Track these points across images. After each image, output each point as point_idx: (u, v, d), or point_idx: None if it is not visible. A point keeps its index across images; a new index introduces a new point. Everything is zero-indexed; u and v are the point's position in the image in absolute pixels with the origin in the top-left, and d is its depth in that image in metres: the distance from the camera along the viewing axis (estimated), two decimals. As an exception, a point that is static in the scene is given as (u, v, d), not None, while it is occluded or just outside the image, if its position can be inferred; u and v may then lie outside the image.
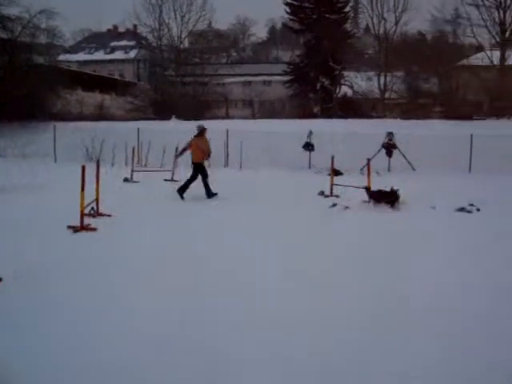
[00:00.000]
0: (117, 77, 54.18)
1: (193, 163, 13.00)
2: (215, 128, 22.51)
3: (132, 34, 58.90)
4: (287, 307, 5.23)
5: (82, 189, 8.76)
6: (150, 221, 9.79)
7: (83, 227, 8.73)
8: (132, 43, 59.68)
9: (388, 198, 11.37)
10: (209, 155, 13.08)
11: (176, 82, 45.29)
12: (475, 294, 5.69)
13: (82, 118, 33.55)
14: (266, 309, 5.18)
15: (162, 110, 41.25)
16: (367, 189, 11.86)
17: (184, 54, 48.19)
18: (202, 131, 13.17)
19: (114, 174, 15.92)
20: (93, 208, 9.89)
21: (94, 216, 9.77)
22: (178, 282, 6.05)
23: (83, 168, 8.79)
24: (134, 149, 18.09)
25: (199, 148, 12.87)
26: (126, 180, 15.95)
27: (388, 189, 11.56)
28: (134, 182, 15.78)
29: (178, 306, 5.28)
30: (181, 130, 22.76)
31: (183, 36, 48.08)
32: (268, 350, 4.26)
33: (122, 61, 59.54)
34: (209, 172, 12.92)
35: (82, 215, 8.81)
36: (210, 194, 12.64)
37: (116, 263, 6.77)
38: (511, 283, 6.07)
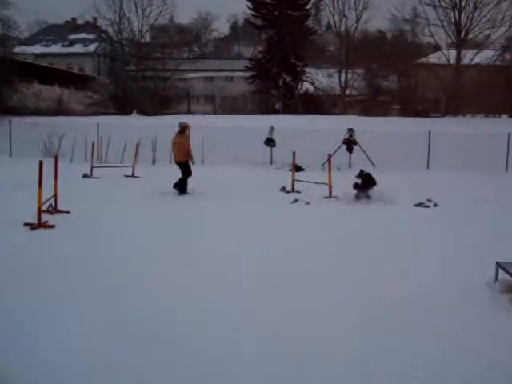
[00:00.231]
0: (76, 70, 52.99)
1: (176, 163, 12.80)
2: (176, 124, 22.35)
3: (91, 26, 57.54)
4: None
5: (40, 185, 8.56)
6: (111, 217, 9.64)
7: (41, 224, 8.54)
8: (92, 36, 58.20)
9: (370, 184, 11.93)
10: (189, 154, 12.80)
11: (137, 76, 44.61)
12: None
13: (39, 112, 32.66)
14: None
15: (122, 105, 40.61)
16: (357, 185, 12.12)
17: (145, 48, 47.48)
18: (183, 129, 12.95)
19: (72, 170, 15.62)
20: (51, 204, 9.68)
21: (51, 213, 9.56)
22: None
23: (40, 163, 8.58)
24: (93, 144, 17.79)
25: (179, 147, 12.68)
26: (85, 176, 15.68)
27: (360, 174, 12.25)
28: (94, 177, 15.53)
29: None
30: (142, 125, 22.61)
31: (144, 30, 47.34)
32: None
33: (82, 54, 58.08)
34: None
35: (40, 212, 8.61)
36: (182, 190, 12.49)
37: (78, 261, 6.65)
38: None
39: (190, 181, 12.77)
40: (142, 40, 47.56)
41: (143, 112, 37.36)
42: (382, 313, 5.15)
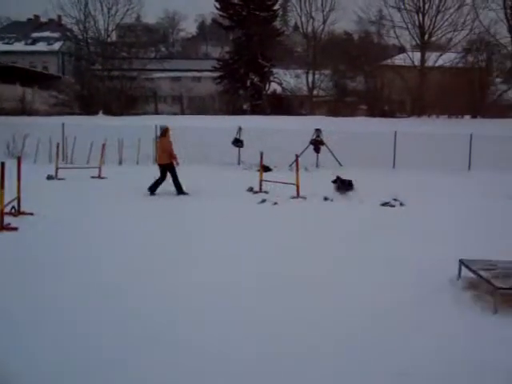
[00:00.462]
0: (40, 69, 51.95)
1: (158, 165, 12.82)
2: (144, 124, 22.15)
3: (56, 25, 56.47)
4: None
5: (1, 186, 8.36)
6: (76, 219, 9.47)
7: (3, 227, 8.34)
8: (56, 35, 57.06)
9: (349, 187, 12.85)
10: (171, 155, 12.67)
11: (103, 76, 44.01)
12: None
13: (1, 112, 31.90)
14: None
15: (88, 105, 40.06)
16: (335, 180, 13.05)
17: (111, 47, 46.89)
18: (164, 131, 12.87)
19: (36, 172, 15.28)
20: (14, 207, 9.46)
21: (15, 215, 9.34)
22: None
23: (2, 164, 8.38)
24: (58, 145, 17.42)
25: (162, 149, 12.69)
26: (49, 177, 15.35)
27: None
28: (59, 179, 15.22)
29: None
30: (108, 125, 22.29)
31: (110, 29, 46.77)
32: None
33: (45, 53, 56.84)
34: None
35: (2, 214, 8.41)
36: (179, 191, 12.55)
37: (40, 264, 6.51)
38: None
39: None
40: (108, 39, 47.05)
41: (109, 112, 36.91)
42: (348, 309, 5.19)
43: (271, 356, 4.17)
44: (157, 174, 12.76)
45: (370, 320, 4.96)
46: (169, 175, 12.66)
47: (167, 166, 12.57)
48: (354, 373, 3.96)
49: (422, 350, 4.34)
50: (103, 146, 17.05)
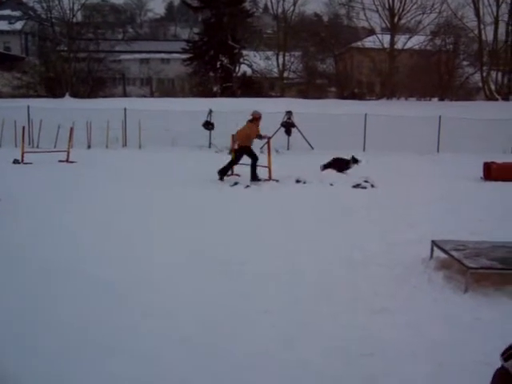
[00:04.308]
0: (1, 50, 50.32)
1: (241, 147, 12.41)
2: (112, 107, 21.75)
3: (17, 3, 54.52)
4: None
5: (-34, 171, 8.11)
6: (44, 204, 9.26)
7: (-32, 213, 8.09)
8: (18, 13, 55.14)
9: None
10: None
11: (69, 57, 42.90)
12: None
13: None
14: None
15: (54, 88, 39.13)
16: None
17: (77, 28, 45.64)
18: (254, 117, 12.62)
19: (2, 156, 14.93)
20: (-21, 192, 9.20)
21: (-20, 201, 9.07)
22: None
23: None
24: (23, 128, 16.97)
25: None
26: (16, 162, 14.97)
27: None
28: (26, 163, 14.86)
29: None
30: (75, 108, 21.84)
31: (76, 9, 45.41)
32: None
33: (7, 32, 54.95)
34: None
35: (-33, 200, 8.16)
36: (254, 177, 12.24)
37: (3, 250, 6.35)
38: None
39: (125, 165, 12.49)
40: (74, 19, 45.62)
41: (77, 95, 36.13)
42: (319, 286, 5.22)
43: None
44: (124, 158, 12.60)
45: (342, 300, 4.99)
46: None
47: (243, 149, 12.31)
48: (323, 352, 3.95)
49: (393, 330, 4.38)
50: (71, 129, 16.68)
